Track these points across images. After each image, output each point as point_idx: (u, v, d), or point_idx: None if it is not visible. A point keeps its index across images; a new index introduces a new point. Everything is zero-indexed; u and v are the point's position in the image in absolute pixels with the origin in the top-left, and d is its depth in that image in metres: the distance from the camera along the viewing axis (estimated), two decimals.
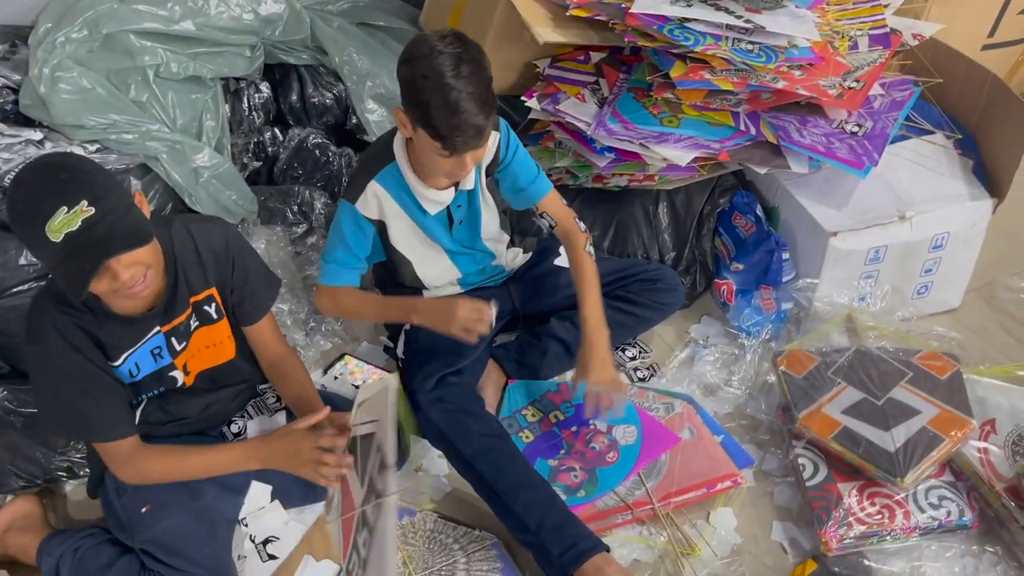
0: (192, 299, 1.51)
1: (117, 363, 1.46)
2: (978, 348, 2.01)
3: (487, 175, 1.80)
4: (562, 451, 1.80)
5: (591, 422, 1.83)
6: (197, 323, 1.54)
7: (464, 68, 1.46)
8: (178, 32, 2.10)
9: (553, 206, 1.85)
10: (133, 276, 1.32)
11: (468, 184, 1.74)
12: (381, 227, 1.73)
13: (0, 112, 1.98)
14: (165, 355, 1.52)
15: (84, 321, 1.40)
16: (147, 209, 1.37)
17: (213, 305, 1.54)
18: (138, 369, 1.49)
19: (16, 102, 1.99)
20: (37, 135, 1.94)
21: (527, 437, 1.84)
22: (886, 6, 2.27)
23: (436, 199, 1.72)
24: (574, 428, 1.84)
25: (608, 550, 1.54)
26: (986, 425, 1.73)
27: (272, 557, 1.67)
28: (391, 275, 1.87)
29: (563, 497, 1.65)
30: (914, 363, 1.83)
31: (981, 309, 2.17)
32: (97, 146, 1.95)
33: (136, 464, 1.48)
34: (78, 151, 1.92)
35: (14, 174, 1.41)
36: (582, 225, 1.87)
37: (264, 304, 1.62)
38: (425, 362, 1.78)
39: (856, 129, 2.06)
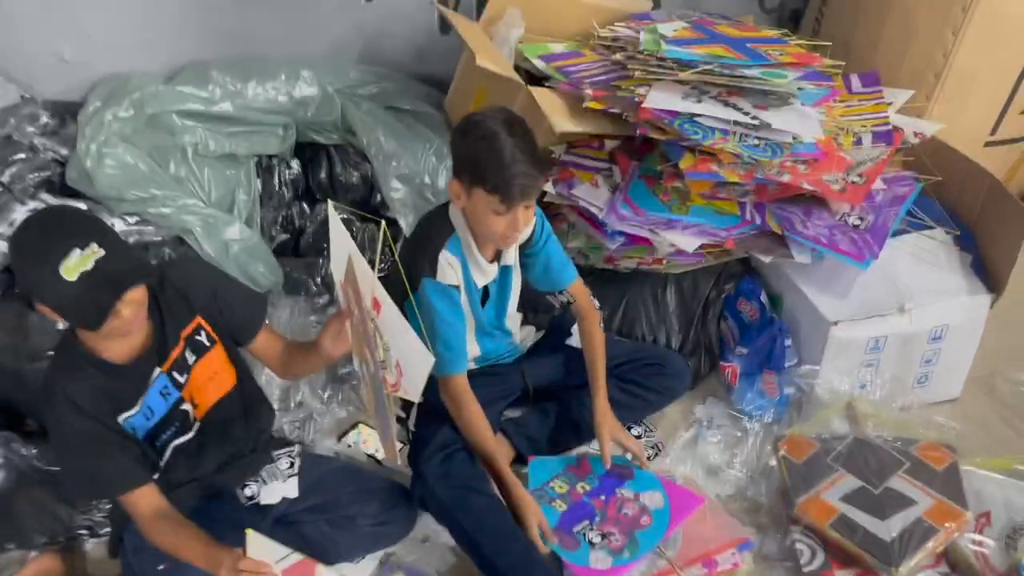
0: (182, 334, 1.59)
1: (133, 411, 1.54)
2: (977, 439, 2.05)
3: (520, 253, 1.89)
4: (597, 518, 1.83)
5: (617, 491, 1.87)
6: (194, 355, 1.61)
7: (516, 128, 1.61)
8: (217, 113, 2.24)
9: (577, 290, 1.95)
10: (132, 312, 1.41)
11: (509, 259, 1.84)
12: (458, 293, 1.79)
13: (47, 184, 2.10)
14: (172, 391, 1.59)
15: (92, 379, 1.49)
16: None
17: (203, 333, 1.62)
18: (151, 412, 1.57)
19: (63, 175, 2.12)
20: (81, 207, 2.06)
21: (560, 507, 1.87)
22: (889, 104, 2.38)
23: (487, 271, 1.81)
24: (603, 497, 1.88)
25: None
26: (981, 517, 1.77)
27: None
28: None
29: (608, 560, 1.70)
30: (912, 453, 1.87)
31: (981, 400, 2.21)
32: (137, 219, 2.07)
33: (151, 528, 1.54)
34: (118, 223, 2.04)
35: (20, 224, 1.47)
36: (596, 303, 1.97)
37: (256, 319, 1.69)
38: (434, 436, 1.84)
39: (858, 222, 2.14)
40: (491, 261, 1.83)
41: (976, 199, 2.18)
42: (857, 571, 1.71)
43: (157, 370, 1.56)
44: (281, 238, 2.38)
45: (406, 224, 2.39)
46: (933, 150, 2.30)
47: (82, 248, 1.32)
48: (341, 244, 1.46)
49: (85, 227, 1.36)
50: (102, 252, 1.33)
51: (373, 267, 1.35)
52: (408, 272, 1.78)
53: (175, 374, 1.58)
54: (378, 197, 2.43)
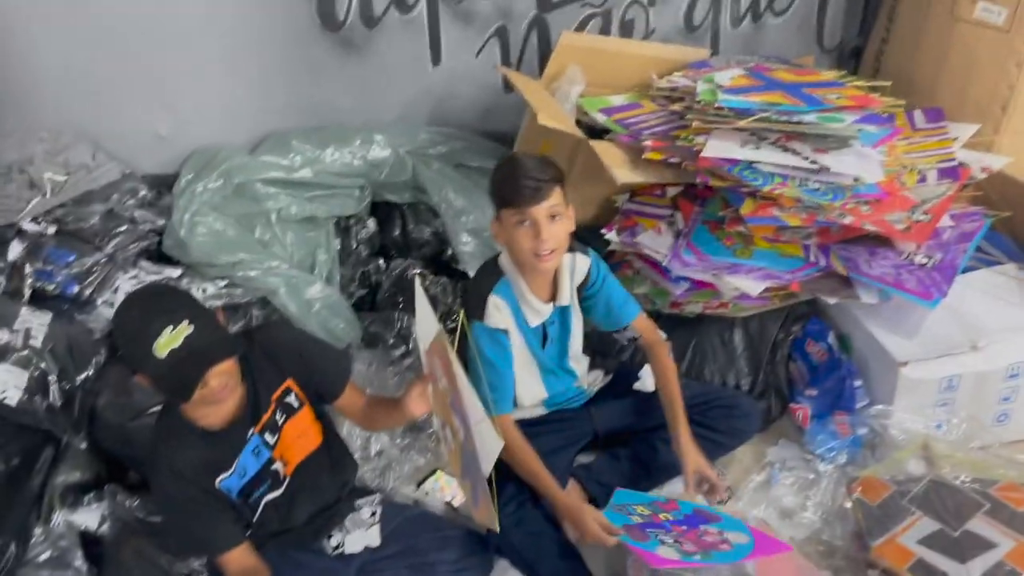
0: (273, 397, 1.69)
1: (229, 473, 1.65)
2: None
3: (579, 295, 1.96)
4: (673, 534, 1.79)
5: (701, 526, 1.82)
6: (283, 416, 1.71)
7: (535, 160, 1.75)
8: (298, 179, 2.40)
9: (645, 324, 2.01)
10: (221, 383, 1.51)
11: (564, 299, 1.91)
12: (506, 337, 1.87)
13: (146, 252, 2.28)
14: (264, 452, 1.69)
15: (192, 447, 1.60)
16: (224, 322, 1.60)
17: (292, 395, 1.72)
18: (245, 471, 1.67)
19: (160, 243, 2.29)
20: (176, 272, 2.23)
21: (635, 519, 1.83)
22: (955, 139, 2.37)
23: (539, 310, 1.88)
24: (684, 527, 1.83)
25: None
26: None
27: None
28: None
29: (676, 555, 1.70)
30: (991, 494, 1.84)
31: None
32: (226, 282, 2.22)
33: None
34: (209, 287, 2.20)
35: (122, 301, 1.60)
36: (662, 335, 2.03)
37: (341, 377, 1.78)
38: (505, 486, 1.90)
39: (925, 260, 2.13)
40: (547, 301, 1.90)
41: None
42: None
43: (251, 430, 1.67)
44: (359, 294, 2.51)
45: None
46: (1001, 184, 2.28)
47: (173, 326, 1.43)
48: (426, 317, 1.56)
49: (177, 305, 1.48)
50: (191, 329, 1.43)
51: (452, 344, 1.44)
52: (465, 320, 1.88)
53: (267, 435, 1.68)
54: (449, 251, 2.54)
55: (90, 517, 2.02)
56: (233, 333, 1.70)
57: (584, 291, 1.96)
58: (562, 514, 1.80)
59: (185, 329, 1.44)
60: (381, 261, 2.57)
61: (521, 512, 1.82)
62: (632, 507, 1.88)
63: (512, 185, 1.71)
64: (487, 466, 1.52)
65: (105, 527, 2.04)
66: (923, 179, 2.28)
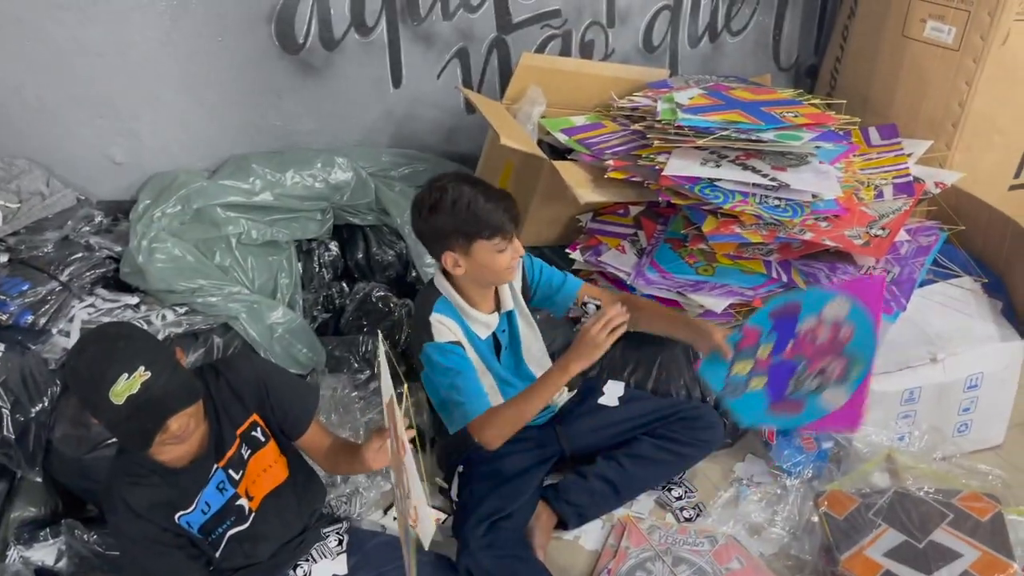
0: (237, 431, 1.66)
1: (190, 509, 1.60)
2: (1022, 486, 2.03)
3: (524, 295, 1.98)
4: (800, 367, 1.75)
5: (797, 328, 1.76)
6: (249, 451, 1.68)
7: (467, 180, 1.78)
8: (258, 203, 2.37)
9: (591, 291, 2.02)
10: (181, 427, 1.47)
11: (508, 304, 1.92)
12: (459, 347, 1.86)
13: (102, 280, 2.23)
14: (228, 487, 1.65)
15: (151, 486, 1.56)
16: (184, 361, 1.54)
17: (259, 429, 1.69)
18: (208, 506, 1.63)
19: (117, 270, 2.25)
20: (133, 300, 2.18)
21: (758, 385, 1.79)
22: (909, 155, 2.42)
23: (485, 321, 1.89)
24: (790, 343, 1.75)
25: None
26: None
27: None
28: None
29: (842, 392, 1.72)
30: (955, 504, 1.86)
31: None
32: (186, 308, 2.18)
33: None
34: (168, 314, 2.15)
35: (76, 341, 1.59)
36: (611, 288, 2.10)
37: (307, 414, 1.74)
38: (477, 506, 1.89)
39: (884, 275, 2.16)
40: (491, 312, 1.90)
41: (1001, 245, 2.20)
42: None
43: (215, 465, 1.63)
44: (323, 318, 2.48)
45: None
46: (955, 199, 2.33)
47: (129, 373, 1.38)
48: (386, 376, 1.54)
49: (134, 350, 1.42)
50: (148, 375, 1.39)
51: (400, 402, 1.41)
52: (416, 356, 1.88)
53: (231, 471, 1.65)
54: (413, 273, 2.52)
55: (47, 553, 1.96)
56: (194, 370, 1.64)
57: (527, 286, 1.99)
58: (578, 360, 1.73)
59: (142, 376, 1.39)
60: (344, 284, 2.55)
61: (493, 534, 1.80)
62: (734, 374, 1.81)
63: (495, 219, 1.73)
64: (425, 539, 1.49)
65: (63, 563, 1.98)
66: (880, 195, 2.33)
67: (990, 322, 2.12)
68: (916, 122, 2.56)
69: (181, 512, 1.60)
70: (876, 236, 2.20)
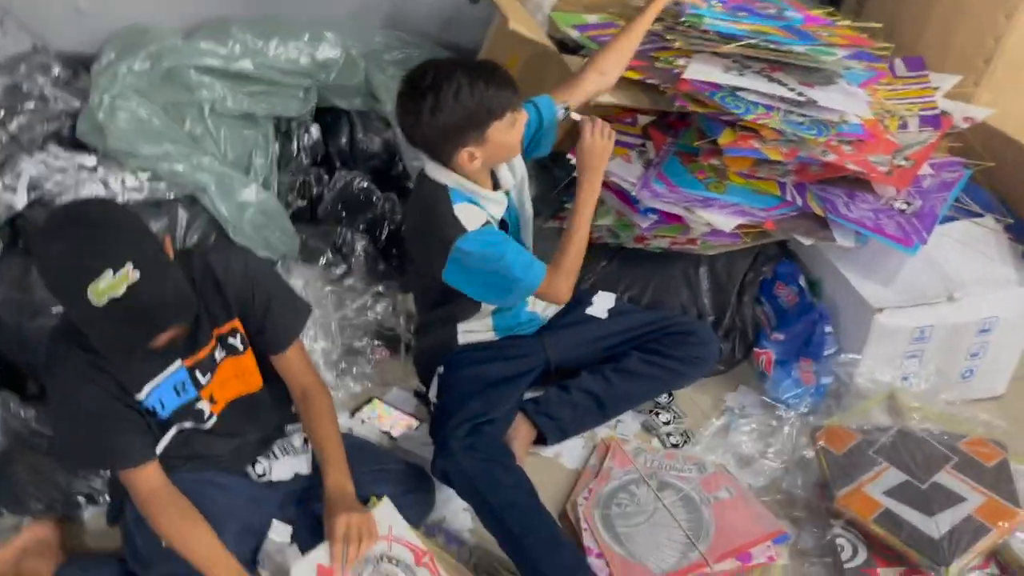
0: (216, 331, 1.49)
1: (140, 395, 1.43)
2: (1021, 438, 1.95)
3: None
4: None
5: None
6: (223, 354, 1.51)
7: (453, 65, 1.60)
8: (236, 70, 2.15)
9: (558, 95, 1.88)
10: (169, 338, 1.30)
11: (507, 181, 1.77)
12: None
13: (56, 136, 2.01)
14: (189, 389, 1.48)
15: (102, 360, 1.36)
16: (171, 251, 1.33)
17: (238, 336, 1.52)
18: (163, 406, 1.46)
19: (74, 127, 2.02)
20: (90, 161, 1.97)
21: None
22: (936, 88, 2.28)
23: (498, 200, 1.74)
24: None
25: None
26: None
27: None
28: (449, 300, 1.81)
29: None
30: (960, 448, 1.77)
31: None
32: (148, 175, 1.97)
33: (151, 510, 1.44)
34: (129, 179, 1.94)
35: (49, 218, 1.33)
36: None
37: (289, 332, 1.57)
38: (459, 408, 1.75)
39: (905, 207, 2.04)
40: (496, 191, 1.76)
41: None
42: (902, 569, 1.61)
43: (178, 363, 1.45)
44: (298, 204, 2.29)
45: None
46: (984, 136, 2.20)
47: (115, 270, 1.17)
48: None
49: (120, 241, 1.21)
50: (136, 276, 1.19)
51: None
52: (434, 260, 1.68)
53: (197, 373, 1.48)
54: (400, 166, 2.33)
55: None
56: (179, 253, 1.40)
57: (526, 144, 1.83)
58: (590, 171, 1.75)
59: (129, 276, 1.18)
60: (323, 171, 2.34)
61: (474, 437, 1.66)
62: None
63: (503, 94, 1.59)
64: None
65: None
66: (904, 126, 2.19)
67: (1010, 266, 2.01)
68: (945, 57, 2.40)
69: (136, 396, 1.43)
70: (899, 166, 2.07)
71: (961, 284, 1.95)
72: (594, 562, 1.65)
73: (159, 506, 1.44)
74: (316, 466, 1.71)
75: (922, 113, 2.21)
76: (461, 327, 1.83)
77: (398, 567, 1.50)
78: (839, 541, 1.68)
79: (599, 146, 1.73)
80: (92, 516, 1.77)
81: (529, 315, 1.95)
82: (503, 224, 1.78)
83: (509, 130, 1.62)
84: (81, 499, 1.76)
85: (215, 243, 1.98)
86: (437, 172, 1.69)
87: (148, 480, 1.45)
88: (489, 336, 1.90)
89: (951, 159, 2.19)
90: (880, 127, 2.11)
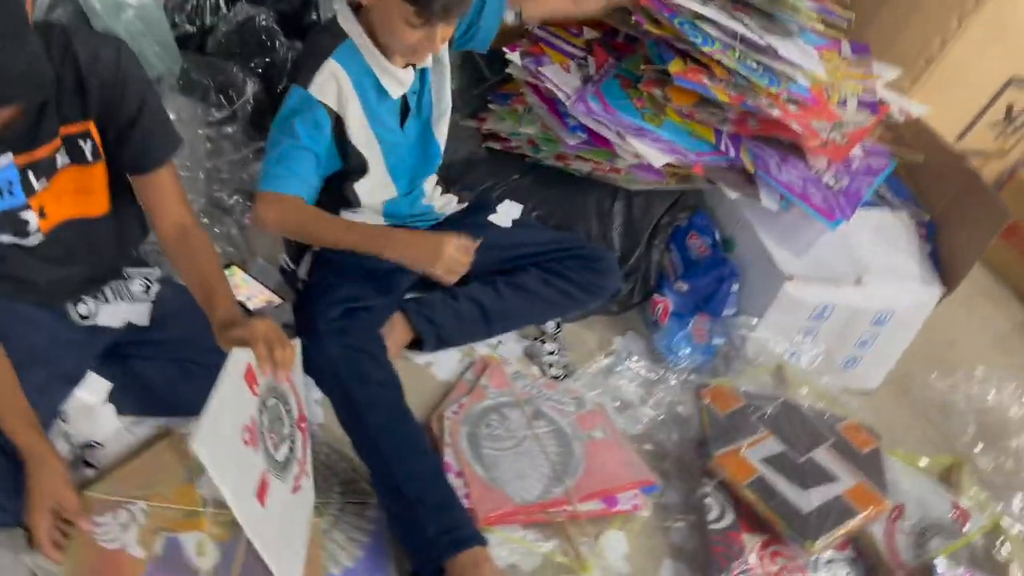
0: (62, 130, 1.21)
1: None
2: (886, 435, 1.95)
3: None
4: None
5: None
6: (67, 161, 1.24)
7: None
8: None
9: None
10: (6, 116, 1.06)
11: (427, 60, 1.54)
12: (338, 123, 1.48)
13: None
14: (17, 192, 1.21)
15: None
16: (31, 12, 1.08)
17: (89, 143, 1.24)
18: None
19: None
20: None
21: None
22: (878, 77, 2.24)
23: (400, 78, 1.51)
24: None
25: (486, 544, 1.35)
26: (895, 509, 1.65)
27: (89, 466, 1.37)
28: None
29: None
30: (838, 430, 1.74)
31: (896, 398, 2.12)
32: None
33: None
34: None
35: None
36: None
37: (160, 151, 1.30)
38: (333, 289, 1.54)
39: (832, 182, 1.98)
40: (405, 67, 1.53)
41: (947, 189, 2.08)
42: (766, 538, 1.55)
43: (8, 157, 1.17)
44: (185, 29, 1.95)
45: None
46: (915, 133, 2.18)
47: None
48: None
49: None
50: None
51: None
52: (288, 81, 1.49)
53: (31, 175, 1.20)
54: (314, 15, 2.04)
55: None
56: (38, 24, 1.12)
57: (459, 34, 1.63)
58: (405, 250, 1.44)
59: None
60: (221, 3, 2.02)
61: (347, 321, 1.45)
62: None
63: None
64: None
65: None
66: (844, 103, 2.12)
67: (915, 261, 2.00)
68: (890, 49, 2.36)
69: None
70: (834, 141, 2.01)
71: (868, 270, 1.91)
72: (451, 480, 1.50)
73: None
74: (155, 321, 1.47)
75: (862, 96, 2.15)
76: (359, 186, 1.60)
77: (286, 414, 1.28)
78: (707, 501, 1.60)
79: (456, 263, 1.45)
80: None
81: (423, 207, 1.75)
82: (404, 106, 1.56)
83: (398, 18, 1.37)
84: None
85: (82, 26, 1.63)
86: (345, 16, 1.48)
87: None
88: (377, 220, 1.68)
89: (880, 146, 2.16)
90: (824, 95, 2.04)
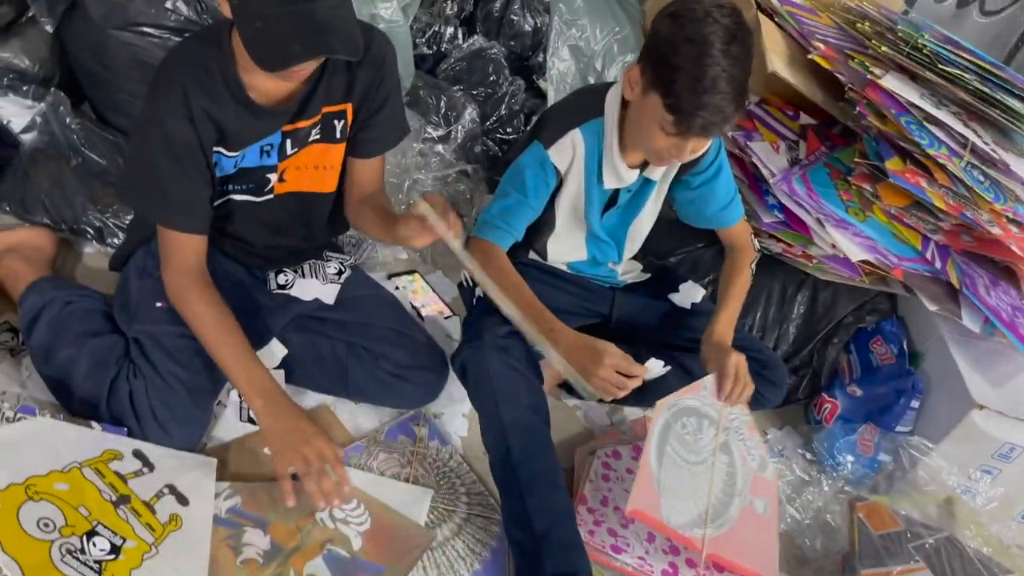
0: (323, 108, 1.32)
1: (232, 154, 1.29)
2: None
3: (680, 173, 1.59)
4: None
5: None
6: (318, 136, 1.35)
7: (734, 48, 1.28)
8: None
9: (740, 227, 1.67)
10: (313, 68, 1.20)
11: (656, 174, 1.55)
12: (558, 185, 1.54)
13: None
14: (274, 155, 1.34)
15: (214, 99, 1.22)
16: None
17: (341, 123, 1.35)
18: (242, 159, 1.32)
19: None
20: None
21: None
22: None
23: (622, 175, 1.52)
24: None
25: None
26: None
27: (251, 421, 1.46)
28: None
29: None
30: None
31: None
32: None
33: (180, 291, 1.29)
34: None
35: None
36: (756, 244, 1.71)
37: (387, 141, 1.42)
38: None
39: None
40: (633, 167, 1.53)
41: None
42: None
43: (281, 126, 1.31)
44: (423, 51, 2.11)
45: (552, 101, 2.10)
46: None
47: None
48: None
49: None
50: None
51: None
52: (532, 132, 1.54)
53: (288, 142, 1.32)
54: (540, 57, 2.14)
55: (19, 111, 1.63)
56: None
57: (689, 174, 1.59)
58: (566, 349, 1.42)
59: None
60: (461, 31, 2.15)
61: (511, 341, 1.47)
62: None
63: (691, 102, 1.28)
64: None
65: (32, 135, 1.65)
66: None
67: None
68: None
69: (222, 149, 1.28)
70: None
71: None
72: (582, 513, 1.47)
73: (187, 292, 1.28)
74: (338, 302, 1.56)
75: None
76: (551, 243, 1.64)
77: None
78: None
79: (599, 371, 1.40)
80: (92, 253, 1.62)
81: (608, 271, 1.76)
82: (613, 197, 1.58)
83: (654, 122, 1.34)
84: (90, 231, 1.61)
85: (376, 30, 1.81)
86: (612, 101, 1.49)
87: (192, 252, 1.29)
88: (561, 267, 1.71)
89: None
90: None
